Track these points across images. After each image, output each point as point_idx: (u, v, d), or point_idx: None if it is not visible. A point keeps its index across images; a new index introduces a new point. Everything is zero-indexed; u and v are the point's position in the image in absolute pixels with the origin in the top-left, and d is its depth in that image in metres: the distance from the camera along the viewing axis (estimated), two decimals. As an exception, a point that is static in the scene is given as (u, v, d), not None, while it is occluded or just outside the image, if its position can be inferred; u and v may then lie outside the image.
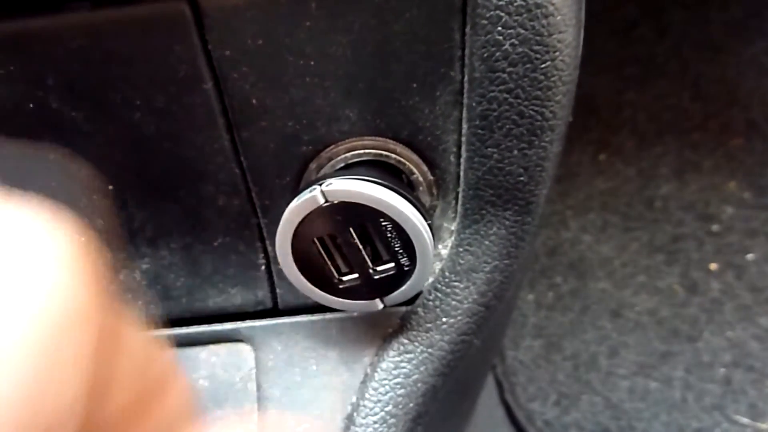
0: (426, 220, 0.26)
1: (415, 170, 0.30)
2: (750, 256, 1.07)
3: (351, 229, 0.26)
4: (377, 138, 0.29)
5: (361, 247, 0.27)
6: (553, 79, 0.26)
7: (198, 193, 0.30)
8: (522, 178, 0.29)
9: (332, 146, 0.29)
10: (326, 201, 0.25)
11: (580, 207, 1.16)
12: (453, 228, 0.32)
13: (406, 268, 0.27)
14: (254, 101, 0.27)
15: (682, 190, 1.19)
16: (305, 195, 0.25)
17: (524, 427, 0.89)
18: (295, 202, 0.25)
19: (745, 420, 0.90)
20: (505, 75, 0.25)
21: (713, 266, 1.07)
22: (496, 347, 0.38)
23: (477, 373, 0.43)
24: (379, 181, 0.25)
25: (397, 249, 0.26)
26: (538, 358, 0.97)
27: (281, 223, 0.26)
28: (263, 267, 0.33)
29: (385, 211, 0.25)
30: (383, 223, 0.26)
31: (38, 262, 0.14)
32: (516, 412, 0.90)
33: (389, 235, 0.26)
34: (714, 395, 0.92)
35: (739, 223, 1.11)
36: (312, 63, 0.26)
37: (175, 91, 0.27)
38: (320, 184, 0.25)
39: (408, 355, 0.33)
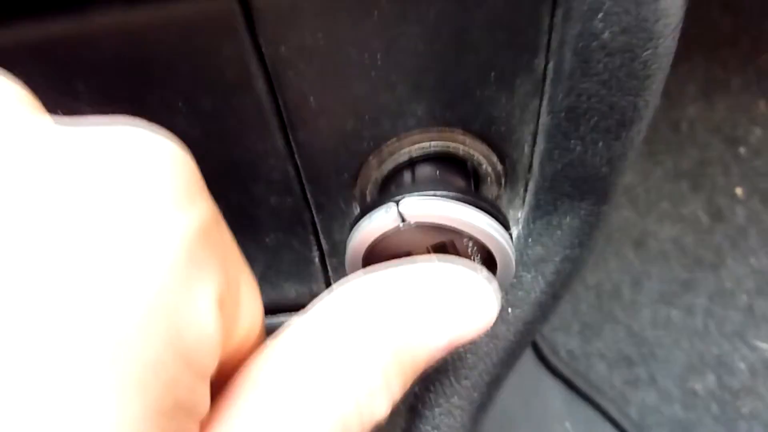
0: (508, 232, 0.24)
1: (483, 162, 0.27)
2: (777, 180, 1.05)
3: (428, 247, 0.24)
4: (444, 129, 0.26)
5: None
6: (653, 68, 0.23)
7: (249, 194, 0.28)
8: (604, 170, 0.26)
9: (394, 139, 0.26)
10: (404, 221, 0.23)
11: (603, 132, 1.13)
12: (519, 216, 0.30)
13: None
14: (312, 100, 0.24)
15: (709, 111, 1.14)
16: (380, 216, 0.23)
17: (548, 357, 0.91)
18: (367, 224, 0.23)
19: (764, 346, 0.92)
20: (599, 66, 0.22)
21: (739, 191, 1.05)
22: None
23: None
24: (462, 196, 0.23)
25: (476, 262, 0.24)
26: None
27: (351, 245, 0.24)
28: (317, 261, 0.31)
29: (470, 233, 0.23)
30: (463, 240, 0.24)
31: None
32: (539, 343, 0.91)
33: (469, 250, 0.24)
34: (735, 322, 0.93)
35: (768, 146, 1.08)
36: (378, 57, 0.23)
37: (223, 94, 0.24)
38: (396, 203, 0.23)
39: (471, 347, 0.32)
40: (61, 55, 0.22)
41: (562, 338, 0.95)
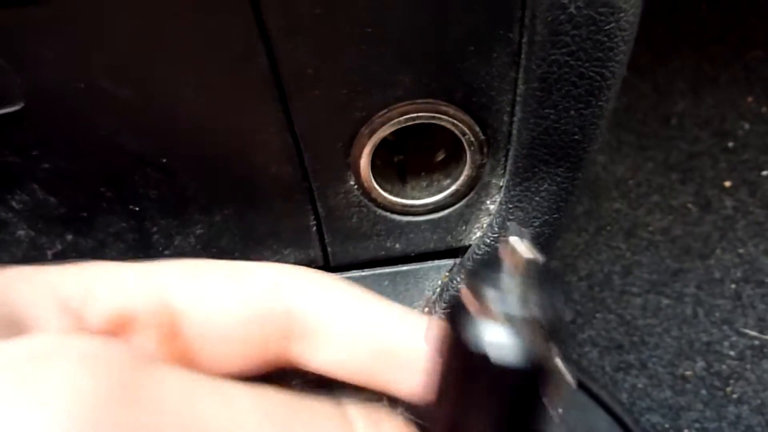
0: None
1: (467, 131, 0.30)
2: (765, 173, 1.07)
3: None
4: (429, 100, 0.29)
5: None
6: (615, 39, 0.25)
7: (251, 162, 0.30)
8: (576, 137, 0.29)
9: (385, 110, 0.29)
10: None
11: (595, 127, 1.15)
12: (501, 184, 0.33)
13: None
14: (309, 71, 0.26)
15: (698, 106, 1.17)
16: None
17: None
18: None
19: (753, 333, 0.94)
20: (567, 38, 0.25)
21: (727, 183, 1.07)
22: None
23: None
24: None
25: None
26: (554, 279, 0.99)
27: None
28: (314, 228, 0.34)
29: None
30: None
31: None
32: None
33: None
34: (724, 310, 0.95)
35: (755, 139, 1.11)
36: (369, 30, 0.25)
37: (228, 66, 0.26)
38: None
39: (459, 308, 0.34)
40: (79, 28, 0.25)
41: (555, 326, 0.97)
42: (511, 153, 0.31)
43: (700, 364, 0.92)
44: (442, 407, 0.17)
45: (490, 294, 0.15)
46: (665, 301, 0.97)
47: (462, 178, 0.32)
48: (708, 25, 1.23)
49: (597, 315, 0.98)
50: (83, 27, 0.24)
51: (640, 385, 0.91)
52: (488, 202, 0.33)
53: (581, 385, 0.90)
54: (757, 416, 0.88)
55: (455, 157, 0.32)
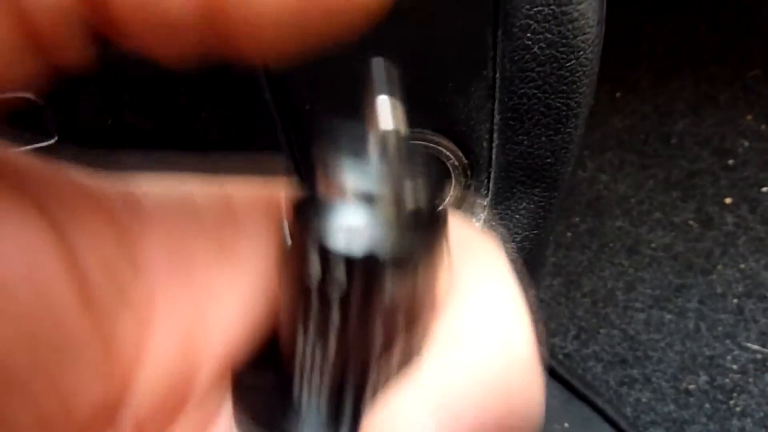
0: None
1: (451, 156, 0.33)
2: (765, 189, 1.09)
3: None
4: (416, 130, 0.32)
5: None
6: (577, 74, 0.28)
7: (258, 185, 0.34)
8: (549, 160, 0.32)
9: (376, 139, 0.32)
10: None
11: (597, 146, 1.18)
12: (485, 203, 0.36)
13: None
14: (307, 107, 0.30)
15: (698, 125, 1.19)
16: None
17: (545, 360, 0.95)
18: None
19: (755, 347, 0.95)
20: (533, 74, 0.28)
21: (728, 200, 1.09)
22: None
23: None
24: None
25: None
26: (558, 295, 1.02)
27: None
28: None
29: None
30: None
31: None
32: (537, 348, 0.95)
33: None
34: (726, 324, 0.97)
35: (755, 157, 1.13)
36: (357, 70, 0.29)
37: (237, 102, 0.30)
38: None
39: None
40: (114, 73, 0.28)
41: (560, 342, 0.99)
42: (492, 176, 0.34)
43: (704, 378, 0.93)
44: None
45: (343, 166, 0.12)
46: (668, 317, 0.99)
47: (448, 198, 0.35)
48: (707, 45, 1.27)
49: (601, 330, 0.99)
50: (115, 71, 0.28)
51: (644, 399, 0.93)
52: (474, 220, 0.36)
53: (586, 400, 0.91)
54: (761, 429, 0.89)
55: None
